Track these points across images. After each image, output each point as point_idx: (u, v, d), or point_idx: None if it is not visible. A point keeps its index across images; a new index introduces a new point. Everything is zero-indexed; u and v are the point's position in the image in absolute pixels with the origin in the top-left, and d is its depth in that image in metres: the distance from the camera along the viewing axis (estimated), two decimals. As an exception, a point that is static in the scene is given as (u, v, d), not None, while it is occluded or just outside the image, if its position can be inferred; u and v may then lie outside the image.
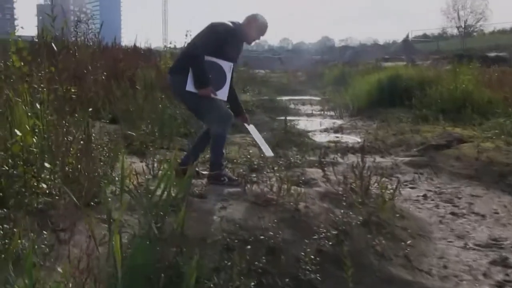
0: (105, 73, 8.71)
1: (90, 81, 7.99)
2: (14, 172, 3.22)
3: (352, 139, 9.63)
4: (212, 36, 4.62)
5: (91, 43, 10.77)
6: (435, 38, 54.87)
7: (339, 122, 12.15)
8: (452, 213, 5.16)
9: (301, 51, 62.65)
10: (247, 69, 21.67)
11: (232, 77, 4.83)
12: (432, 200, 5.69)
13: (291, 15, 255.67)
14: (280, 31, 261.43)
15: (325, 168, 4.51)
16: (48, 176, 3.25)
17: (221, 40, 4.61)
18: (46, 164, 3.28)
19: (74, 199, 3.00)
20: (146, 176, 4.29)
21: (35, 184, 3.22)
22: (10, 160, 3.28)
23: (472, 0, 62.64)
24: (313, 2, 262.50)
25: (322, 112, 14.05)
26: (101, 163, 3.95)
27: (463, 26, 60.97)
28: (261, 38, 5.11)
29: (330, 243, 3.38)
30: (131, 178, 4.02)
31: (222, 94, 4.65)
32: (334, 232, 3.50)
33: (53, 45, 6.30)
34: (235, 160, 5.38)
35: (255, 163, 5.19)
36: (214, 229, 3.23)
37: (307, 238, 3.37)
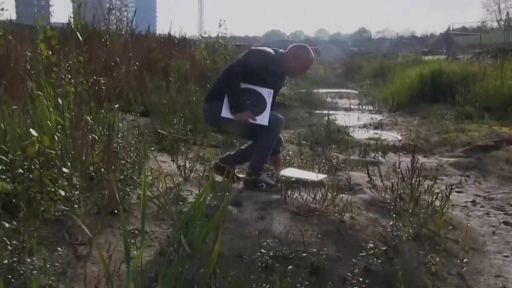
0: (137, 63, 8.46)
1: (121, 72, 7.75)
2: (30, 176, 2.93)
3: (392, 136, 9.20)
4: (250, 61, 4.18)
5: (123, 32, 10.53)
6: (474, 31, 53.23)
7: (378, 117, 11.69)
8: (506, 223, 4.73)
9: (338, 42, 61.60)
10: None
11: (273, 103, 4.32)
12: (482, 206, 5.26)
13: (328, 5, 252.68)
14: (316, 22, 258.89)
15: (371, 173, 4.12)
16: (66, 182, 2.95)
17: (260, 67, 4.17)
18: (64, 169, 2.99)
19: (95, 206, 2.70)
20: (177, 179, 3.96)
21: (53, 190, 2.94)
22: (25, 163, 2.99)
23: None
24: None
25: (360, 107, 13.58)
26: (128, 164, 3.65)
27: (503, 20, 59.29)
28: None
29: (379, 261, 3.01)
30: (160, 181, 3.73)
31: (263, 119, 4.14)
32: (383, 248, 3.14)
33: (77, 33, 6.08)
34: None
35: (295, 165, 4.81)
36: (251, 244, 2.89)
37: (354, 255, 3.01)
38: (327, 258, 2.89)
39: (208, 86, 9.01)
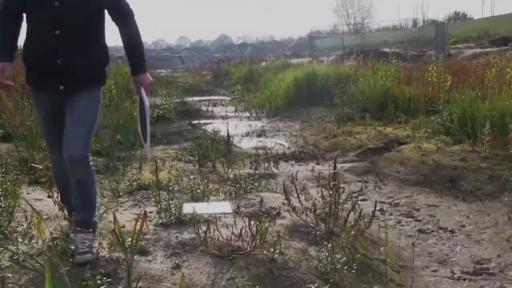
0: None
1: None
2: None
3: (278, 143, 8.93)
4: None
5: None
6: (328, 34, 56.09)
7: (258, 124, 11.42)
8: (420, 231, 4.62)
9: (200, 49, 61.26)
10: (149, 69, 20.34)
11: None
12: (391, 214, 5.12)
13: (187, 13, 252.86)
14: (177, 30, 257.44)
15: (289, 196, 3.66)
16: None
17: None
18: None
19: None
20: (60, 223, 3.19)
21: None
22: None
23: (359, -1, 66.06)
24: (208, 0, 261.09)
25: (237, 114, 13.24)
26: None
27: (352, 23, 63.67)
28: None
29: (325, 304, 2.56)
30: (40, 230, 2.94)
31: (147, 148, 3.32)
32: None
33: None
34: (170, 187, 4.35)
35: (199, 190, 4.20)
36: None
37: (296, 301, 2.52)
38: (268, 312, 2.36)
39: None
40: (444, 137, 7.20)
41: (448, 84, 9.59)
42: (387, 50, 25.22)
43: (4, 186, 3.45)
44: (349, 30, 61.97)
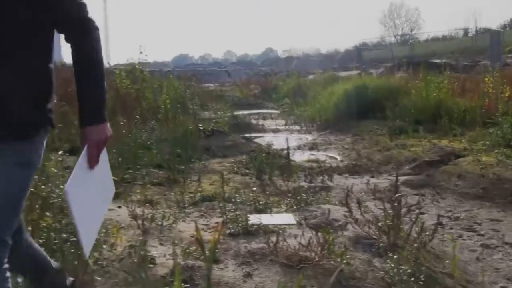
0: (56, 97, 7.66)
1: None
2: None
3: (331, 156, 8.96)
4: None
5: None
6: (374, 46, 55.77)
7: (309, 137, 11.47)
8: (484, 245, 4.53)
9: (246, 62, 62.05)
10: (197, 84, 20.76)
11: None
12: (451, 228, 5.06)
13: (234, 27, 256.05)
14: (223, 44, 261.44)
15: (351, 207, 3.72)
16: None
17: None
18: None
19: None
20: (134, 232, 3.36)
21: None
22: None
23: (406, 9, 65.33)
24: (254, 14, 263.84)
25: (287, 127, 13.33)
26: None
27: (399, 34, 63.02)
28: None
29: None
30: (118, 238, 3.11)
31: None
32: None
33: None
34: (233, 199, 4.48)
35: (261, 202, 4.32)
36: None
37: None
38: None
39: (137, 117, 8.45)
40: (504, 150, 7.07)
41: (506, 95, 9.41)
42: (437, 60, 24.90)
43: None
44: (397, 41, 61.40)
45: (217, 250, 3.11)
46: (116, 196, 4.74)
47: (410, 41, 58.59)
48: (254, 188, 5.16)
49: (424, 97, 10.78)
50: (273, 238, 3.08)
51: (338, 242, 3.31)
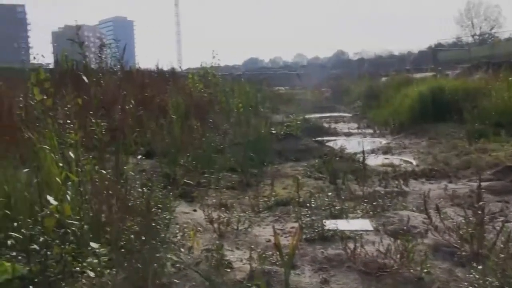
0: (132, 101, 7.92)
1: (118, 112, 7.20)
2: (48, 253, 2.35)
3: (406, 160, 8.72)
4: None
5: (115, 69, 9.99)
6: (450, 47, 53.87)
7: (383, 141, 11.23)
8: None
9: (317, 66, 61.84)
10: (267, 87, 20.89)
11: None
12: (539, 238, 4.77)
13: (305, 30, 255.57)
14: (294, 47, 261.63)
15: (430, 214, 3.59)
16: (95, 260, 2.36)
17: None
18: (93, 244, 2.41)
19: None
20: (211, 236, 3.39)
21: (78, 269, 2.35)
22: (42, 237, 2.41)
23: (485, 7, 62.41)
24: (325, 17, 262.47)
25: (360, 130, 13.15)
26: (157, 224, 3.08)
27: (477, 34, 60.38)
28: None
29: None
30: (195, 241, 3.16)
31: None
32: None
33: (81, 74, 5.57)
34: (308, 204, 4.45)
35: (337, 208, 4.26)
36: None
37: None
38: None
39: (209, 120, 8.58)
40: None
41: None
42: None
43: (160, 200, 3.73)
44: (474, 41, 58.92)
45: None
46: (192, 200, 4.85)
47: (490, 40, 56.10)
48: (329, 193, 5.08)
49: (507, 99, 10.28)
50: (351, 245, 3.01)
51: (417, 250, 3.20)
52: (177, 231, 3.44)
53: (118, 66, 9.61)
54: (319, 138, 10.79)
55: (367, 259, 2.93)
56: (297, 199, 4.41)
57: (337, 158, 7.12)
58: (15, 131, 4.36)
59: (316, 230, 3.45)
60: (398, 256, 2.86)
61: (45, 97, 4.64)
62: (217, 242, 3.22)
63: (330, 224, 3.58)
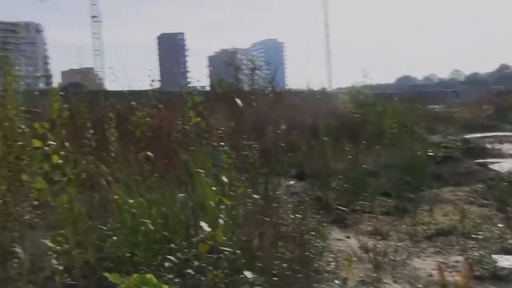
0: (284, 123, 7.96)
1: (270, 133, 7.28)
2: (202, 278, 2.33)
3: None
4: None
5: (266, 91, 10.19)
6: None
7: (559, 165, 10.02)
8: None
9: (476, 82, 58.00)
10: (422, 106, 19.92)
11: None
12: None
13: (462, 44, 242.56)
14: (449, 63, 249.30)
15: None
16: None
17: None
18: (247, 273, 2.34)
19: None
20: (365, 266, 3.18)
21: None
22: (197, 262, 2.41)
23: None
24: (485, 30, 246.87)
25: (530, 153, 11.89)
26: (311, 253, 2.95)
27: None
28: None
29: None
30: (348, 272, 2.97)
31: None
32: None
33: (234, 97, 5.72)
34: (473, 235, 4.02)
35: (510, 241, 3.79)
36: None
37: None
38: None
39: (361, 141, 8.32)
40: None
41: None
42: None
43: (314, 226, 3.60)
44: None
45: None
46: (345, 226, 4.66)
47: None
48: (498, 224, 4.56)
49: None
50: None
51: None
52: (331, 260, 3.28)
53: (270, 88, 9.79)
54: (482, 160, 9.93)
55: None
56: (460, 229, 3.99)
57: (504, 183, 6.43)
58: (173, 153, 4.56)
59: (486, 267, 3.06)
60: None
61: (199, 119, 4.82)
62: (373, 274, 3.00)
63: (502, 260, 3.16)
